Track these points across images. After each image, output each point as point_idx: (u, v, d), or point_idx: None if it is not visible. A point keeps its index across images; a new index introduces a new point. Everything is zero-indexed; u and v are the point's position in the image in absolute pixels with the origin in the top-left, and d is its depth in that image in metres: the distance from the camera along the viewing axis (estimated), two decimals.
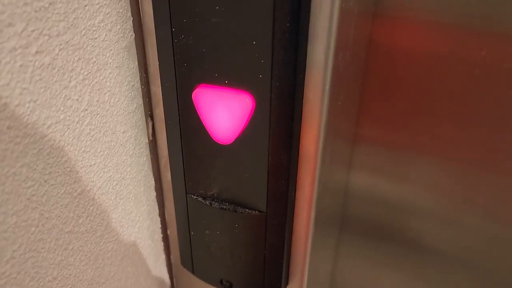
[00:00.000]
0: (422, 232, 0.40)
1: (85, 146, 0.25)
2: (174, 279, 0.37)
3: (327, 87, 0.24)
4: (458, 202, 0.37)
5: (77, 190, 0.25)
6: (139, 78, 0.28)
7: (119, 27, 0.26)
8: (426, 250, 0.41)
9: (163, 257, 0.37)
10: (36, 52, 0.20)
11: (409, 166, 0.37)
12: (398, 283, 0.44)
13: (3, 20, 0.18)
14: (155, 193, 0.33)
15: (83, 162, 0.25)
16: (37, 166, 0.22)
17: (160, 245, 0.36)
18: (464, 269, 0.40)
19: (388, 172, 0.39)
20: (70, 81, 0.23)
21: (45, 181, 0.23)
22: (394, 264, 0.43)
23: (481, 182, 0.35)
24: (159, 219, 0.35)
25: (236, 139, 0.26)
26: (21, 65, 0.20)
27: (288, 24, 0.22)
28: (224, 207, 0.29)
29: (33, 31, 0.20)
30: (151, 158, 0.32)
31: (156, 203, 0.34)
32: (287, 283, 0.32)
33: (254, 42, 0.22)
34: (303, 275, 0.32)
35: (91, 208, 0.27)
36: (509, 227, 0.36)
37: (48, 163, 0.23)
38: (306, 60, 0.24)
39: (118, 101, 0.27)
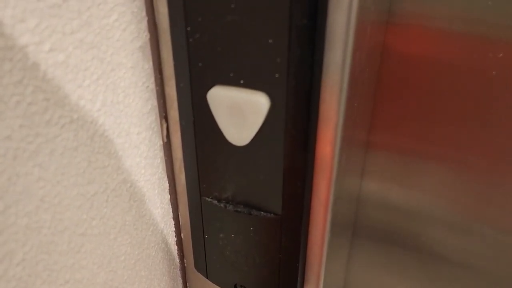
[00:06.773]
0: (433, 239, 0.40)
1: (98, 147, 0.25)
2: (188, 284, 0.37)
3: (345, 87, 0.23)
4: (470, 209, 0.37)
5: (90, 192, 0.25)
6: (153, 79, 0.28)
7: (133, 26, 0.25)
8: (438, 257, 0.40)
9: (177, 261, 0.36)
10: (49, 49, 0.20)
11: (421, 173, 0.37)
12: None
13: (15, 15, 0.18)
14: (169, 196, 0.33)
15: (97, 164, 0.25)
16: (50, 166, 0.22)
17: (174, 248, 0.36)
18: (475, 277, 0.40)
19: (400, 179, 0.38)
20: (84, 80, 0.23)
21: (58, 182, 0.23)
22: (406, 271, 0.43)
23: (494, 190, 0.35)
24: (173, 222, 0.34)
25: (251, 140, 0.25)
26: (33, 63, 0.20)
27: (305, 21, 0.21)
28: (239, 209, 0.28)
29: (46, 28, 0.20)
30: (166, 160, 0.31)
31: (170, 206, 0.33)
32: None
33: (270, 40, 0.22)
34: (319, 281, 0.31)
35: (105, 210, 0.27)
36: None
37: (61, 164, 0.23)
38: (323, 58, 0.23)
39: (132, 102, 0.27)
